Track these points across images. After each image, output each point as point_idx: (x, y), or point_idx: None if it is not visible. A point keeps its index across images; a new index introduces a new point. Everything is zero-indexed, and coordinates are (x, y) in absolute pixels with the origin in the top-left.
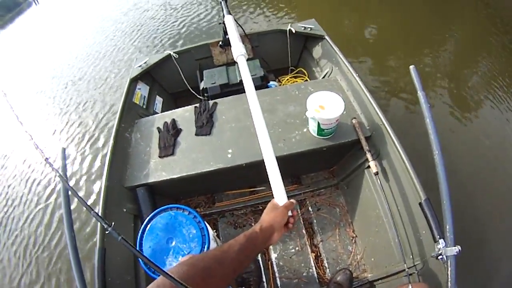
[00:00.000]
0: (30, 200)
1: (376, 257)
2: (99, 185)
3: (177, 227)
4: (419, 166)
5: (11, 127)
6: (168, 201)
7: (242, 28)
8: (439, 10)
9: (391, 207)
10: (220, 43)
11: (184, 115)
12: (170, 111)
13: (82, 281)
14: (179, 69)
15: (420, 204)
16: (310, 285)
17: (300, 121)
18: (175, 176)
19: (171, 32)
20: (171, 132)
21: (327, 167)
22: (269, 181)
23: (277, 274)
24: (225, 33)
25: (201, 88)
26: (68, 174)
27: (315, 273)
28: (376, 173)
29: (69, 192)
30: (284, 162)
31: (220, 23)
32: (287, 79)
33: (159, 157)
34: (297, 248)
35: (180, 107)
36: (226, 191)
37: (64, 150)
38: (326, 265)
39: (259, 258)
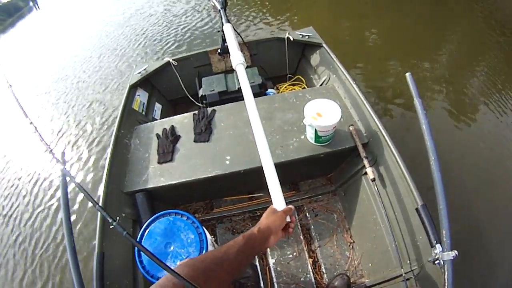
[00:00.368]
0: (33, 200)
1: (373, 263)
2: (99, 190)
3: (175, 232)
4: (416, 171)
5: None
6: (166, 207)
7: (241, 36)
8: (435, 15)
9: (388, 213)
10: (219, 50)
11: (183, 122)
12: (169, 118)
13: (80, 285)
14: (178, 76)
15: (417, 209)
16: None
17: (297, 128)
18: (173, 182)
19: (169, 39)
20: (170, 139)
21: (325, 173)
22: (267, 187)
23: (274, 279)
24: (224, 41)
25: (199, 95)
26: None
27: (312, 278)
28: (373, 179)
29: (68, 196)
30: (282, 168)
31: (219, 31)
32: (285, 87)
33: (158, 163)
34: (294, 254)
35: (179, 113)
36: (225, 197)
37: (63, 154)
38: (324, 270)
39: (257, 263)
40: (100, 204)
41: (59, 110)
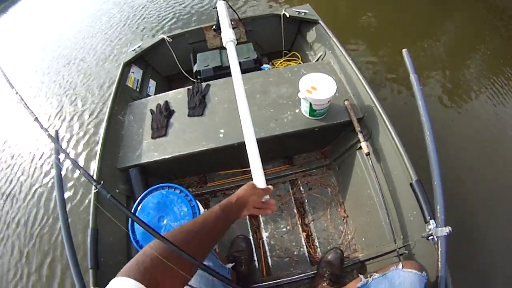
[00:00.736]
0: (29, 178)
1: (367, 237)
2: (92, 167)
3: (168, 206)
4: (411, 148)
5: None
6: (160, 182)
7: (236, 13)
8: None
9: (382, 188)
10: (214, 27)
11: (177, 97)
12: (163, 94)
13: (75, 261)
14: (173, 52)
15: (411, 184)
16: (301, 264)
17: (292, 102)
18: (167, 156)
19: (167, 16)
20: (164, 114)
21: (319, 147)
22: (262, 160)
23: (268, 253)
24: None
25: (194, 70)
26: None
27: (306, 252)
28: (368, 154)
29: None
30: (276, 141)
31: (214, 8)
32: (281, 62)
33: (152, 138)
34: (288, 227)
35: (174, 90)
36: (218, 171)
37: (57, 132)
38: (317, 244)
39: (251, 237)
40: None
41: (54, 89)
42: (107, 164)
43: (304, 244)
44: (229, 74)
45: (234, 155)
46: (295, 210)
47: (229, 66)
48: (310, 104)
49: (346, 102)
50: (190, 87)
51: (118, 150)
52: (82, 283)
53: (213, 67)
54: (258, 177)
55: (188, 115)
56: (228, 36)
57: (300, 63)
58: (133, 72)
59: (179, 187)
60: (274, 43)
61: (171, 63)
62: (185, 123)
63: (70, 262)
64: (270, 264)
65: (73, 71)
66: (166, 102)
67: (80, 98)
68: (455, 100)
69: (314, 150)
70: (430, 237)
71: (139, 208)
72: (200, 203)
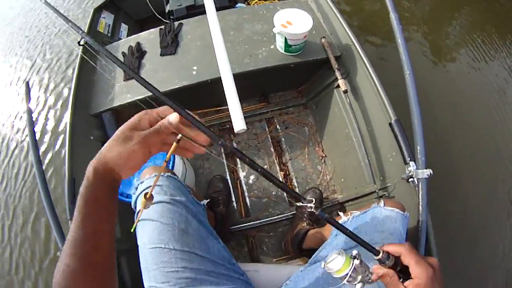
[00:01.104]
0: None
1: (345, 178)
2: (65, 115)
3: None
4: (390, 90)
5: None
6: None
7: None
8: None
9: (361, 127)
10: None
11: (149, 38)
12: (134, 36)
13: (52, 212)
14: None
15: (390, 124)
16: (280, 204)
17: (267, 38)
18: (140, 97)
19: None
20: (136, 55)
21: (296, 86)
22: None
23: (246, 193)
24: None
25: (167, 11)
26: (33, 107)
27: (284, 192)
28: (345, 91)
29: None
30: (250, 78)
31: None
32: (256, 2)
33: (124, 80)
34: (265, 166)
35: None
36: (192, 110)
37: (27, 84)
38: (296, 184)
39: (228, 177)
40: (68, 129)
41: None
42: (79, 111)
43: (281, 181)
44: (202, 13)
45: (208, 92)
46: (272, 149)
47: (202, 4)
48: (285, 39)
49: (323, 40)
50: (163, 27)
51: (90, 96)
52: (62, 235)
53: (186, 6)
54: (236, 111)
55: (160, 55)
56: None
57: (276, 1)
58: (104, 18)
59: None
60: None
61: (142, 5)
62: (157, 63)
63: (48, 215)
64: (248, 204)
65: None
66: (138, 43)
67: (49, 47)
68: (438, 59)
69: (291, 89)
70: (410, 179)
71: None
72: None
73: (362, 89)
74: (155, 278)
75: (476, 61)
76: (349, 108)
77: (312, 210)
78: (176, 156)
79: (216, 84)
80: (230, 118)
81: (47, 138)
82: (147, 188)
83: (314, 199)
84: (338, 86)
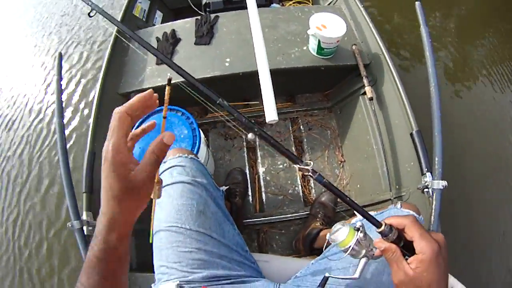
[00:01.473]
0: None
1: (362, 184)
2: (94, 91)
3: (168, 128)
4: (414, 102)
5: None
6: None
7: None
8: None
9: (382, 135)
10: None
11: (185, 26)
12: (170, 23)
13: (69, 181)
14: None
15: (411, 134)
16: (295, 203)
17: (300, 39)
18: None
19: None
20: (170, 41)
21: (323, 89)
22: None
23: (263, 189)
24: None
25: (203, 3)
26: (65, 79)
27: (300, 191)
28: (371, 99)
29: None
30: (281, 76)
31: None
32: (290, 4)
33: (156, 64)
34: (285, 165)
35: None
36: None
37: (60, 55)
38: (312, 185)
39: (247, 170)
40: (94, 104)
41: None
42: (108, 89)
43: (299, 183)
44: (238, 8)
45: (238, 86)
46: (293, 148)
47: (239, 0)
48: (319, 42)
49: (354, 47)
50: (199, 17)
51: (121, 76)
52: (76, 207)
53: (223, 0)
54: (269, 102)
55: (195, 43)
56: None
57: (310, 5)
58: (140, 2)
59: (181, 109)
60: None
61: None
62: (191, 51)
63: (65, 186)
64: (264, 200)
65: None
66: (173, 31)
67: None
68: (459, 77)
69: (318, 92)
70: (425, 189)
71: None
72: None
73: (387, 98)
74: (167, 257)
75: (498, 84)
76: (373, 115)
77: (309, 174)
78: (201, 142)
79: (247, 78)
80: (256, 113)
81: (72, 109)
82: (169, 168)
83: (312, 169)
84: (364, 93)
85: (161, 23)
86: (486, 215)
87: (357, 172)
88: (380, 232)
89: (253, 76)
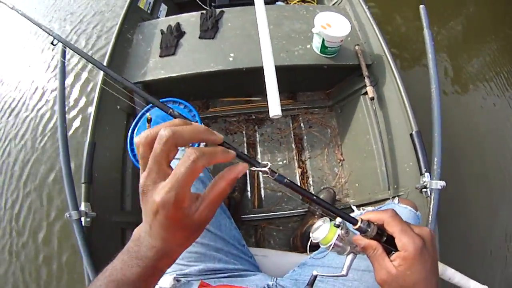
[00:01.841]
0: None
1: (360, 183)
2: (97, 81)
3: (170, 120)
4: (414, 103)
5: None
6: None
7: None
8: None
9: (382, 135)
10: None
11: (189, 20)
12: (175, 16)
13: (68, 171)
14: None
15: (411, 135)
16: (293, 200)
17: (305, 37)
18: (173, 75)
19: None
20: (175, 34)
21: (324, 88)
22: (265, 92)
23: (262, 185)
24: None
25: None
26: (67, 68)
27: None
28: (372, 98)
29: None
30: (283, 73)
31: None
32: (295, 2)
33: (160, 56)
34: (284, 161)
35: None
36: (222, 98)
37: (64, 50)
38: (311, 182)
39: None
40: (97, 94)
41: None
42: (110, 79)
43: (298, 180)
44: (243, 4)
45: (241, 81)
46: (293, 145)
47: None
48: (323, 40)
49: (357, 47)
50: (204, 11)
51: (124, 67)
52: (74, 197)
53: None
54: (274, 97)
55: (199, 37)
56: None
57: (315, 4)
58: None
59: (184, 102)
60: None
61: None
62: (195, 44)
63: (64, 175)
64: (262, 195)
65: None
66: (178, 24)
67: (89, 16)
68: (460, 79)
69: (319, 90)
70: (423, 189)
71: (140, 121)
72: None
73: (388, 98)
74: None
75: (498, 87)
76: (373, 115)
77: (268, 175)
78: None
79: (250, 74)
80: (257, 109)
81: (74, 98)
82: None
83: (270, 169)
84: (366, 93)
85: (166, 16)
86: (484, 216)
87: (356, 171)
88: (357, 229)
89: (257, 72)
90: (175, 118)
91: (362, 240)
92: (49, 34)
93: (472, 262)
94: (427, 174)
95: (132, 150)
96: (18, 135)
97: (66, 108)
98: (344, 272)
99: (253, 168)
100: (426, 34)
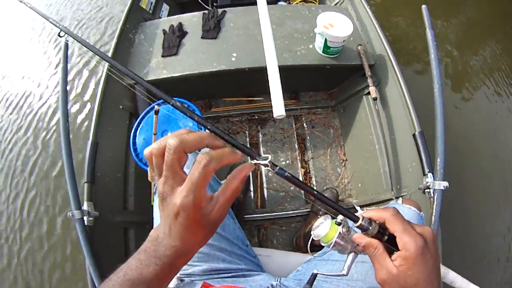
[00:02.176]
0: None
1: (363, 183)
2: (98, 81)
3: (173, 120)
4: (417, 104)
5: None
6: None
7: None
8: None
9: (385, 135)
10: None
11: (192, 20)
12: (177, 16)
13: (71, 171)
14: None
15: (414, 135)
16: (296, 200)
17: (307, 37)
18: (176, 75)
19: None
20: (177, 34)
21: (327, 88)
22: (268, 92)
23: (265, 185)
24: None
25: None
26: (69, 66)
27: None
28: (375, 99)
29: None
30: (286, 73)
31: None
32: (297, 2)
33: (162, 56)
34: (287, 161)
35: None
36: (225, 98)
37: (66, 45)
38: (314, 182)
39: None
40: (98, 93)
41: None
42: (112, 79)
43: (301, 180)
44: (245, 4)
45: (243, 81)
46: (296, 145)
47: None
48: (326, 40)
49: (359, 47)
50: (206, 11)
51: (126, 67)
52: (77, 196)
53: None
54: (278, 97)
55: (202, 37)
56: None
57: (317, 4)
58: None
59: (187, 101)
60: None
61: None
62: (197, 44)
63: (66, 175)
64: (265, 196)
65: None
66: (180, 24)
67: (90, 16)
68: (462, 80)
69: (322, 90)
70: (426, 190)
71: (143, 121)
72: None
73: (390, 98)
74: None
75: (500, 88)
76: (376, 115)
77: (268, 168)
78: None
79: (253, 74)
80: (259, 109)
81: (77, 97)
82: None
83: (271, 163)
84: (368, 93)
85: (168, 16)
86: (487, 216)
87: (359, 171)
88: (358, 227)
89: (259, 72)
90: (177, 109)
91: (363, 238)
92: (56, 26)
93: (472, 262)
94: (430, 175)
95: (135, 150)
96: (21, 130)
97: (69, 107)
98: (344, 272)
99: (254, 161)
100: (428, 34)
